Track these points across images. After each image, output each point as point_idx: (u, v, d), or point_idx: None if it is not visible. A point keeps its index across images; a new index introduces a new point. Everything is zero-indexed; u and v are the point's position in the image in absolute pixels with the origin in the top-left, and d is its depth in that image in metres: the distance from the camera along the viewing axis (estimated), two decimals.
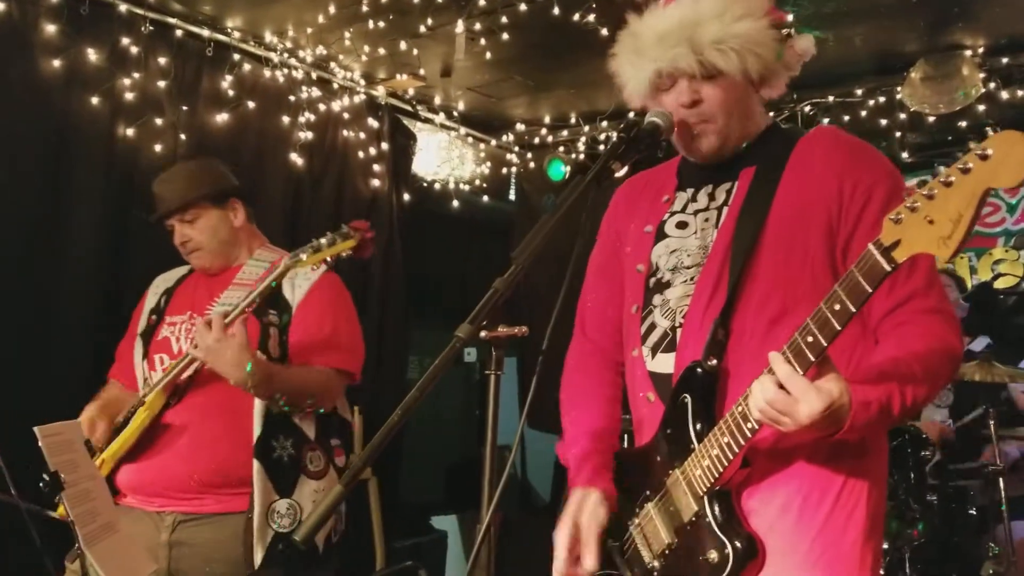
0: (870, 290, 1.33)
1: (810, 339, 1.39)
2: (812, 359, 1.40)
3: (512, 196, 6.23)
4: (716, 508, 1.56)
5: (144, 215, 2.70)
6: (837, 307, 1.36)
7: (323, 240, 2.35)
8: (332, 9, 4.00)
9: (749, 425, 1.49)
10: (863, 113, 4.89)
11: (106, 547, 1.70)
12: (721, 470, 1.54)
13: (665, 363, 1.70)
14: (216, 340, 2.23)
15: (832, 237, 1.63)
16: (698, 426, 1.60)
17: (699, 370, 1.62)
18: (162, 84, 3.91)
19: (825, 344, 1.38)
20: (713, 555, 1.55)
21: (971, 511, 3.99)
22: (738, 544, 1.54)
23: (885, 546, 3.71)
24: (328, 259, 2.37)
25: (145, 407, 2.38)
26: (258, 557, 2.27)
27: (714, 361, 1.62)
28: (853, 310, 1.35)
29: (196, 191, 2.59)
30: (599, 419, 1.87)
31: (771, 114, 1.85)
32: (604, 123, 5.39)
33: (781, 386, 1.40)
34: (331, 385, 2.51)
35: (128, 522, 2.15)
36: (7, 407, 3.08)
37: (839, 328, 1.36)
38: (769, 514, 1.60)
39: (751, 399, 1.44)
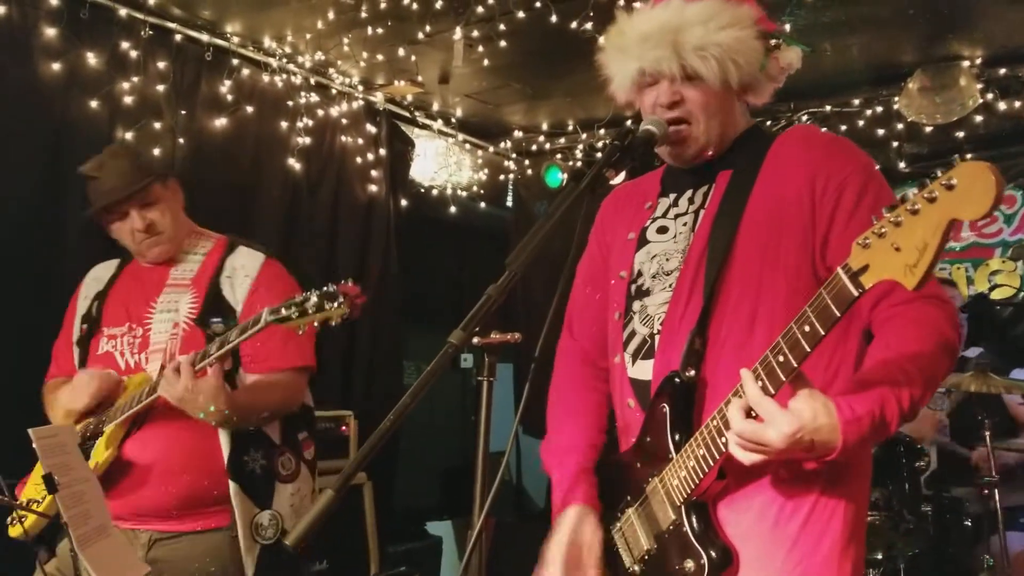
0: (838, 314, 1.32)
1: (781, 359, 1.39)
2: (783, 379, 1.39)
3: (509, 203, 6.25)
4: (693, 518, 1.58)
5: (84, 211, 2.49)
6: (807, 328, 1.35)
7: (310, 303, 2.07)
8: (331, 15, 4.02)
9: (723, 439, 1.49)
10: (860, 123, 4.91)
11: (99, 549, 1.70)
12: (697, 481, 1.55)
13: (644, 370, 1.71)
14: (187, 389, 2.13)
15: (809, 236, 1.62)
16: (676, 436, 1.61)
17: (677, 380, 1.63)
18: (161, 88, 3.92)
19: (796, 365, 1.38)
20: (689, 564, 1.57)
21: (966, 522, 3.99)
22: (713, 554, 1.56)
23: (879, 556, 3.71)
24: (316, 325, 2.13)
25: (105, 437, 2.29)
26: (249, 572, 2.26)
27: (692, 372, 1.62)
28: (823, 333, 1.34)
29: (146, 172, 2.41)
30: (588, 431, 1.88)
31: (757, 119, 1.85)
32: (602, 130, 5.40)
33: (748, 412, 1.39)
34: (296, 387, 2.44)
35: None
36: (7, 408, 3.09)
37: (809, 350, 1.36)
38: (745, 523, 1.60)
39: (728, 430, 1.43)
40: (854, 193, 1.60)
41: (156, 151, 3.84)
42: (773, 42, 1.72)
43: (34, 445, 1.65)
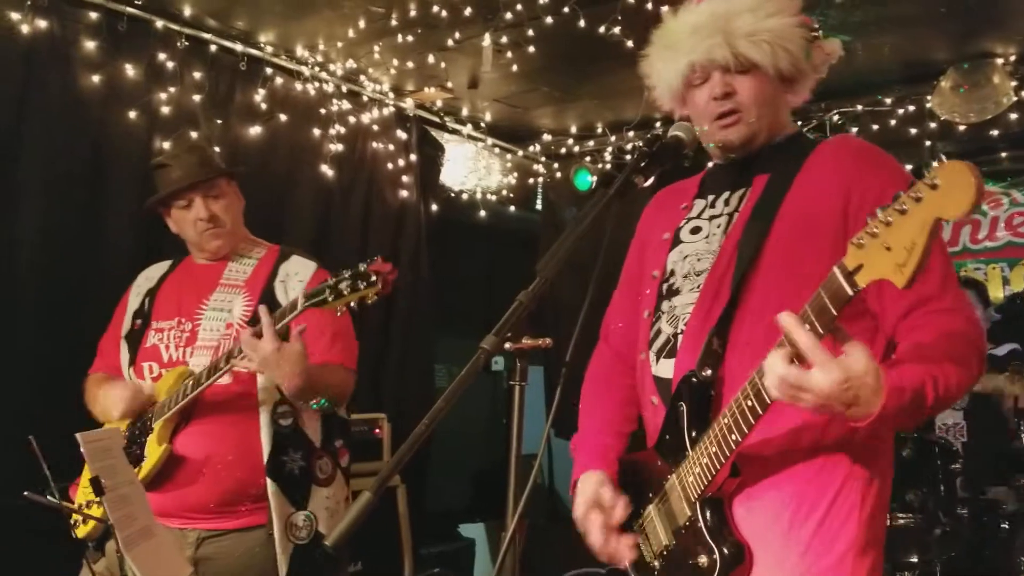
0: (835, 313, 1.32)
1: (808, 327, 1.36)
2: (822, 332, 1.37)
3: (538, 206, 6.27)
4: (707, 514, 1.60)
5: (151, 200, 2.54)
6: (807, 327, 1.35)
7: (344, 283, 2.14)
8: (362, 24, 4.07)
9: (734, 437, 1.50)
10: (892, 122, 4.87)
11: (144, 551, 1.74)
12: (710, 478, 1.57)
13: (666, 368, 1.74)
14: (275, 351, 2.15)
15: (838, 247, 1.58)
16: (693, 433, 1.63)
17: (693, 379, 1.65)
18: (197, 98, 4.00)
19: (822, 332, 1.35)
20: (703, 559, 1.59)
21: (1003, 524, 3.95)
22: (725, 551, 1.57)
23: (914, 559, 3.68)
24: (353, 304, 2.19)
25: (155, 434, 2.35)
26: (283, 571, 2.30)
27: (708, 371, 1.63)
28: (822, 332, 1.34)
29: (217, 165, 2.53)
30: (614, 420, 1.93)
31: (799, 123, 1.86)
32: (630, 133, 5.40)
33: (792, 360, 1.35)
34: (346, 383, 2.49)
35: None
36: (43, 418, 3.17)
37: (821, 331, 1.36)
38: (760, 522, 1.61)
39: (766, 374, 1.39)
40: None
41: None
42: (813, 33, 1.73)
43: (82, 449, 1.70)
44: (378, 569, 4.06)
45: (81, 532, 2.35)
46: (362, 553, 3.99)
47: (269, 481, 2.32)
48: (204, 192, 2.47)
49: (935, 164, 1.18)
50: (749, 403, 1.47)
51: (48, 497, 1.76)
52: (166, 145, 3.85)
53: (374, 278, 2.15)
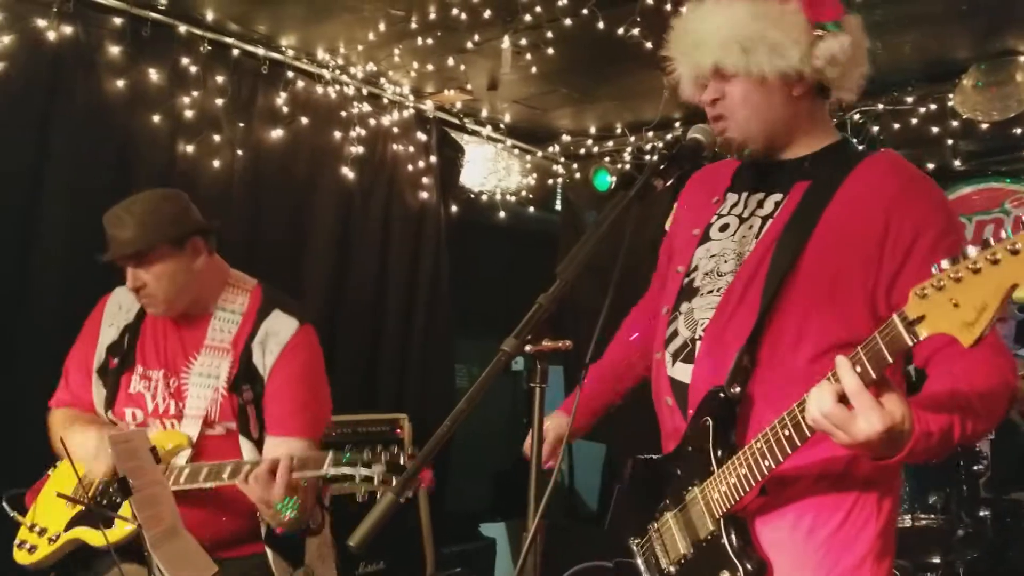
0: (890, 360, 1.33)
1: (859, 370, 1.38)
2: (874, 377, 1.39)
3: (558, 207, 6.28)
4: (732, 532, 1.62)
5: (96, 255, 2.42)
6: (858, 369, 1.35)
7: (375, 473, 2.00)
8: (382, 27, 4.09)
9: (767, 463, 1.52)
10: (914, 121, 4.82)
11: (171, 550, 1.77)
12: (738, 498, 1.58)
13: (683, 372, 1.74)
14: (280, 496, 2.08)
15: (873, 271, 1.61)
16: (719, 452, 1.64)
17: (722, 395, 1.65)
18: (219, 102, 4.04)
19: (875, 376, 1.37)
20: (725, 575, 1.60)
21: None
22: (749, 567, 1.59)
23: (936, 560, 3.66)
24: (361, 496, 2.07)
25: None
26: None
27: (737, 389, 1.63)
28: (873, 376, 1.34)
29: (153, 233, 2.31)
30: (602, 370, 2.05)
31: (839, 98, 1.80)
32: (650, 133, 5.40)
33: (841, 397, 1.37)
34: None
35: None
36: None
37: (874, 376, 1.36)
38: (781, 530, 1.63)
39: (808, 406, 1.41)
40: (933, 237, 1.59)
41: (215, 163, 3.96)
42: (817, 33, 1.68)
43: (110, 451, 1.73)
44: (400, 568, 4.09)
45: (20, 558, 2.33)
46: (384, 552, 4.02)
47: (268, 549, 2.32)
48: (133, 263, 2.33)
49: (1011, 231, 1.18)
50: (787, 432, 1.48)
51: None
52: (189, 149, 3.90)
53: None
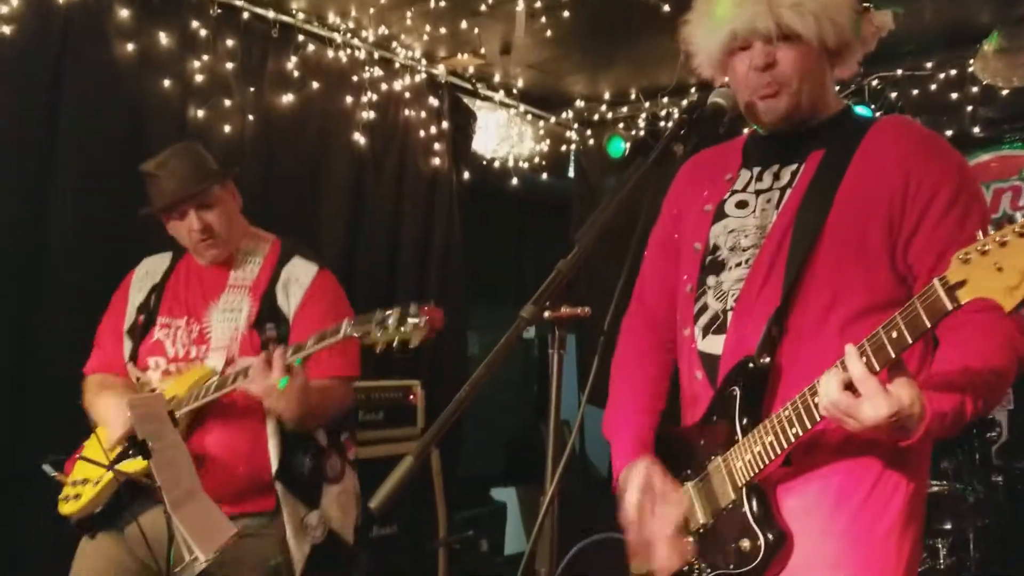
0: (929, 325, 1.32)
1: (864, 360, 1.40)
2: (878, 368, 1.40)
3: (571, 173, 6.24)
4: (753, 501, 1.62)
5: (145, 210, 2.50)
6: (894, 335, 1.36)
7: (391, 321, 2.09)
8: None
9: (794, 430, 1.52)
10: (933, 87, 4.76)
11: (190, 511, 1.79)
12: (762, 466, 1.58)
13: (714, 344, 1.73)
14: (277, 383, 2.16)
15: (893, 232, 1.61)
16: (744, 420, 1.64)
17: (751, 365, 1.64)
18: (230, 66, 4.00)
19: (878, 368, 1.39)
20: (745, 544, 1.61)
21: None
22: (770, 536, 1.59)
23: (947, 526, 3.68)
24: (394, 346, 2.12)
25: None
26: (298, 570, 2.33)
27: (767, 359, 1.63)
28: (910, 341, 1.35)
29: (211, 174, 2.43)
30: (648, 399, 1.93)
31: (837, 88, 1.83)
32: (665, 99, 5.35)
33: (848, 385, 1.39)
34: (348, 395, 2.49)
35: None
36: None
37: (893, 356, 1.38)
38: (806, 498, 1.63)
39: (819, 395, 1.44)
40: (947, 197, 1.59)
41: (226, 128, 3.95)
42: (864, 4, 1.69)
43: (128, 414, 1.75)
44: (413, 531, 4.13)
45: (65, 509, 2.37)
46: (397, 516, 4.06)
47: (279, 485, 2.34)
48: (197, 203, 2.40)
49: None
50: (816, 400, 1.49)
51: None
52: (200, 114, 3.88)
53: (422, 322, 2.08)
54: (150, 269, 2.63)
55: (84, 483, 2.37)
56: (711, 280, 1.78)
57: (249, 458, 2.34)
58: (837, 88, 1.84)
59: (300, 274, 2.47)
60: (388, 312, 2.09)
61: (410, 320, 2.06)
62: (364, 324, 2.11)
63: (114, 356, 2.56)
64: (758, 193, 1.78)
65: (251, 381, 2.19)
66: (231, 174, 2.51)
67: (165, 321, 2.50)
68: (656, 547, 1.71)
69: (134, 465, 2.14)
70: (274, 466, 2.33)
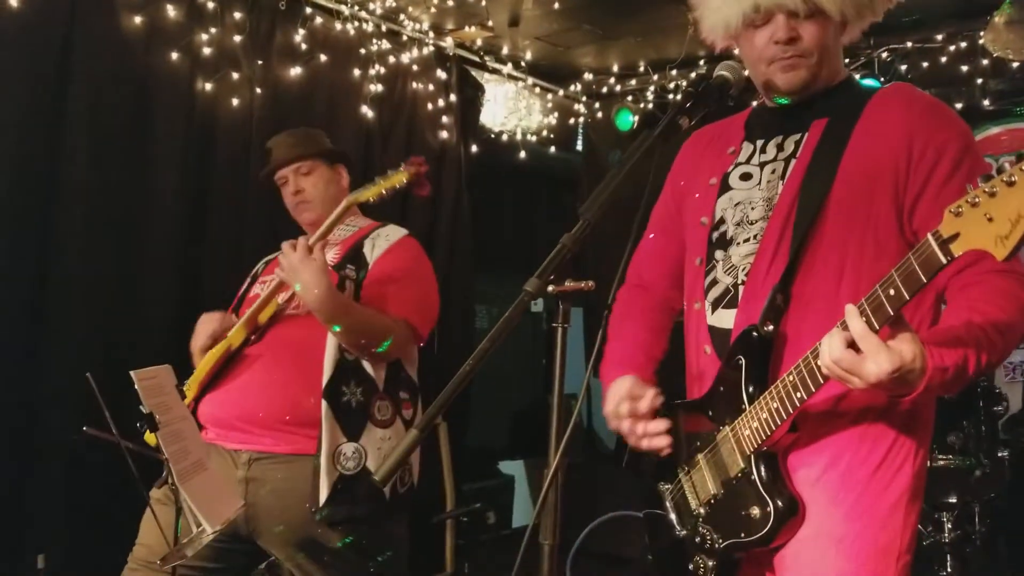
0: (924, 280, 1.32)
1: (864, 319, 1.39)
2: (877, 327, 1.40)
3: (579, 147, 6.22)
4: (762, 468, 1.62)
5: (259, 171, 2.90)
6: (891, 292, 1.36)
7: (377, 177, 2.52)
8: None
9: (799, 395, 1.52)
10: (943, 59, 4.72)
11: (197, 484, 1.81)
12: (769, 433, 1.59)
13: (725, 318, 1.73)
14: (299, 260, 2.33)
15: (899, 197, 1.62)
16: (750, 388, 1.64)
17: (755, 334, 1.64)
18: (238, 39, 3.99)
19: (877, 326, 1.39)
20: (755, 511, 1.61)
21: None
22: (780, 503, 1.60)
23: (953, 500, 3.69)
24: (384, 192, 2.52)
25: (226, 340, 2.51)
26: (323, 495, 2.32)
27: (770, 327, 1.63)
28: (907, 297, 1.35)
29: (312, 147, 2.82)
30: (646, 344, 1.94)
31: (847, 60, 1.83)
32: (673, 71, 5.32)
33: (851, 343, 1.39)
34: (399, 336, 2.51)
35: (212, 457, 2.26)
36: (99, 359, 3.29)
37: (892, 313, 1.37)
38: (816, 468, 1.64)
39: (821, 354, 1.44)
40: (951, 161, 1.59)
41: (234, 101, 3.94)
42: None
43: (136, 386, 1.76)
44: (421, 503, 4.17)
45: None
46: None
47: (324, 404, 2.37)
48: (295, 170, 2.77)
49: None
50: (818, 362, 1.48)
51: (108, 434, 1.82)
52: (208, 87, 3.88)
53: (403, 166, 2.52)
54: (259, 267, 2.90)
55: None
56: (719, 254, 1.78)
57: (302, 380, 2.40)
58: (847, 61, 1.83)
59: (390, 232, 2.71)
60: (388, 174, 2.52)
61: (391, 170, 2.52)
62: (356, 191, 2.55)
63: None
64: (762, 165, 1.78)
65: (280, 268, 2.40)
66: (333, 152, 2.87)
67: (263, 279, 2.74)
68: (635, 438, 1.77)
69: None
70: (324, 382, 2.39)
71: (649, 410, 1.76)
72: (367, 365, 2.49)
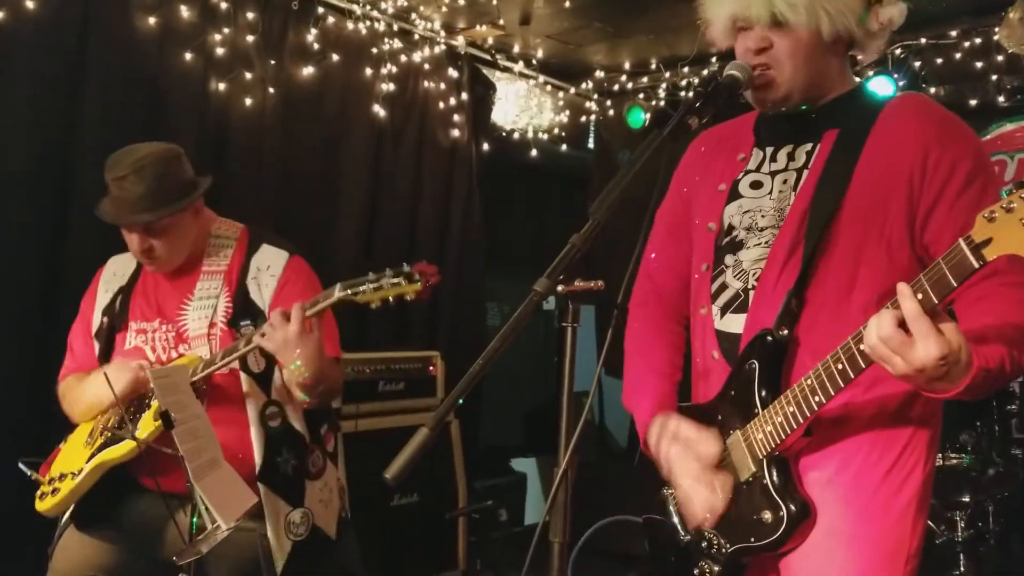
0: (955, 285, 1.31)
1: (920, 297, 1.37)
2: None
3: (591, 145, 6.21)
4: (774, 472, 1.62)
5: (97, 211, 2.41)
6: (920, 296, 1.34)
7: (385, 280, 2.11)
8: None
9: (816, 399, 1.52)
10: (957, 56, 4.69)
11: (212, 481, 1.83)
12: (783, 437, 1.59)
13: (734, 323, 1.73)
14: (297, 335, 2.12)
15: (912, 209, 1.61)
16: (763, 393, 1.64)
17: (769, 338, 1.64)
18: (250, 39, 4.01)
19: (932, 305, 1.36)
20: (767, 515, 1.61)
21: None
22: (792, 507, 1.60)
23: (966, 499, 3.68)
24: (390, 300, 2.13)
25: (152, 411, 2.26)
26: (279, 567, 2.28)
27: (785, 331, 1.63)
28: (935, 302, 1.34)
29: (168, 202, 2.30)
30: (665, 366, 1.94)
31: (860, 58, 1.82)
32: (685, 69, 5.31)
33: (900, 324, 1.36)
34: (340, 375, 2.44)
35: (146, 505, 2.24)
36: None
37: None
38: (827, 471, 1.64)
39: (867, 332, 1.40)
40: (964, 175, 1.58)
41: (247, 101, 3.96)
42: None
43: (152, 384, 1.78)
44: (433, 501, 4.19)
45: (42, 505, 2.33)
46: (418, 486, 4.11)
47: (262, 486, 2.28)
48: (144, 228, 2.33)
49: None
50: (840, 366, 1.48)
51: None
52: (221, 87, 3.90)
53: (416, 277, 2.10)
54: (117, 270, 2.56)
55: (62, 479, 2.34)
56: (729, 259, 1.78)
57: (233, 454, 2.21)
58: (859, 57, 1.82)
59: (271, 261, 2.42)
60: (383, 272, 2.11)
61: (403, 278, 2.09)
62: (356, 284, 2.13)
63: (86, 359, 2.51)
64: (773, 174, 1.78)
65: (268, 338, 2.15)
66: (187, 203, 2.35)
67: (139, 326, 2.44)
68: (698, 490, 1.71)
69: (146, 427, 2.17)
70: (257, 464, 2.30)
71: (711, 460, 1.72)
72: (291, 419, 2.39)
